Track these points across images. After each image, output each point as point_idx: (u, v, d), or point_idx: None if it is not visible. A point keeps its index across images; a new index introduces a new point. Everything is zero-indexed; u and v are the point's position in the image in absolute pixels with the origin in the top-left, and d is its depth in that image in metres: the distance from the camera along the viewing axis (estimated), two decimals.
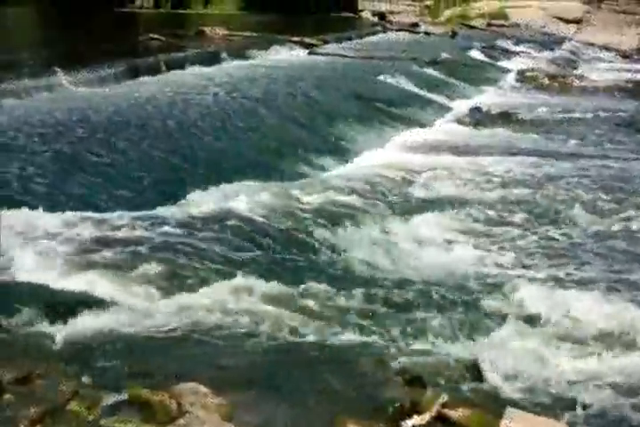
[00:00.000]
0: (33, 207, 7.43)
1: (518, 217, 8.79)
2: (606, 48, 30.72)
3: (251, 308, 5.99)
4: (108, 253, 6.70)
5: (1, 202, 7.37)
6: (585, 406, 4.87)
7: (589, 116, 16.12)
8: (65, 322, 5.54)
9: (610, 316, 6.01)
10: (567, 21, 33.64)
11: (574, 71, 23.95)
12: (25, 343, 5.25)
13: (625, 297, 6.47)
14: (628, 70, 25.10)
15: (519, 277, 6.94)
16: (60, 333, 5.39)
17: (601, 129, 14.59)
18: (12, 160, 8.54)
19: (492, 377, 5.10)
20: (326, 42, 22.93)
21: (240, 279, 6.41)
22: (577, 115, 16.26)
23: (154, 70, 14.28)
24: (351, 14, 37.19)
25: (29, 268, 6.29)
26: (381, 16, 36.07)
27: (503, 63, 24.49)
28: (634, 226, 8.63)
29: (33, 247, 6.66)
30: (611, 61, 27.88)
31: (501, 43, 28.37)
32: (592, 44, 31.22)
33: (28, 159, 8.65)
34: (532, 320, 6.01)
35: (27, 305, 5.63)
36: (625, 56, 29.21)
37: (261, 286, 6.35)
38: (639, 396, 4.99)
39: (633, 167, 11.38)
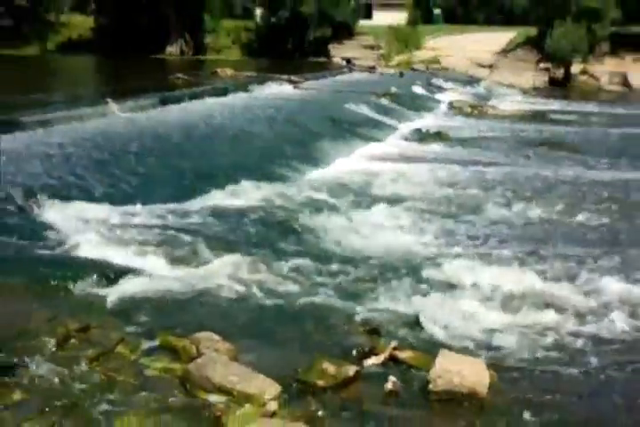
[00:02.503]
0: (91, 201, 7.44)
1: (449, 208, 8.78)
2: (511, 86, 30.72)
3: (250, 276, 5.96)
4: (146, 236, 6.65)
5: (71, 197, 7.36)
6: (500, 349, 4.88)
7: (500, 135, 16.11)
8: (114, 286, 5.50)
9: (519, 282, 6.01)
10: (483, 66, 33.69)
11: (488, 102, 23.89)
12: (85, 302, 5.22)
13: (531, 268, 6.45)
14: (527, 102, 25.21)
15: (450, 253, 6.91)
16: (111, 294, 5.36)
17: (508, 144, 14.58)
18: (75, 166, 8.42)
19: (431, 328, 5.10)
20: (307, 79, 22.71)
21: (242, 255, 6.36)
22: (490, 134, 16.25)
23: (179, 100, 14.08)
24: (325, 59, 36.97)
25: (88, 246, 6.23)
26: (348, 61, 35.73)
27: (437, 96, 24.36)
28: (531, 214, 8.66)
29: (91, 231, 6.60)
30: (514, 96, 27.86)
31: (436, 81, 28.21)
32: (500, 83, 31.18)
33: (87, 166, 8.52)
34: (459, 285, 6.00)
35: (87, 273, 5.60)
36: (524, 92, 29.26)
37: (258, 260, 6.31)
38: (540, 341, 5.04)
39: (532, 171, 11.38)
